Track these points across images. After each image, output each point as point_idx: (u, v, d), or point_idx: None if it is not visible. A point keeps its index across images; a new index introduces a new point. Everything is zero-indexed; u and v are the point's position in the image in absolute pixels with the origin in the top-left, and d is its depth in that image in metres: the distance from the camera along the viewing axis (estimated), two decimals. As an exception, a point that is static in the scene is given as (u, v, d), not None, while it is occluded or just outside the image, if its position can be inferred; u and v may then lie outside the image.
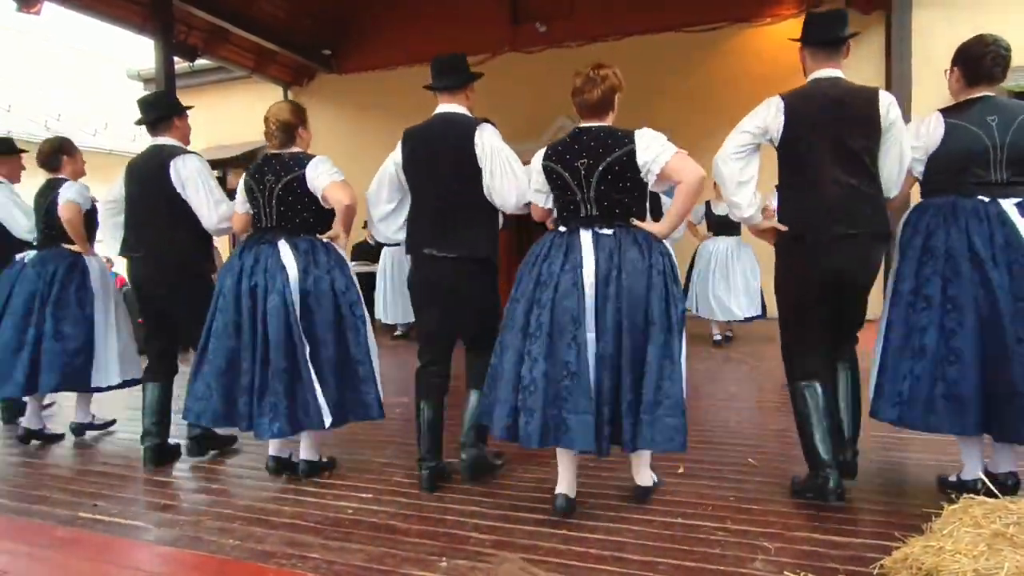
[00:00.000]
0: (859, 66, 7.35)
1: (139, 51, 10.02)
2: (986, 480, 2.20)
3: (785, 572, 1.98)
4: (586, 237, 2.36)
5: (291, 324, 2.70)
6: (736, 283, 5.56)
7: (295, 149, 2.93)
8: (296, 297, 2.71)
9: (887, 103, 2.40)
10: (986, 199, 2.33)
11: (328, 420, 2.73)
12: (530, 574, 1.14)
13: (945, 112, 2.48)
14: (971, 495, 1.94)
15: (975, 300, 2.26)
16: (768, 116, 2.48)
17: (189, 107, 3.35)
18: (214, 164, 9.82)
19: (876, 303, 2.59)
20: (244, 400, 2.73)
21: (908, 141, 2.48)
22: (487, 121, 2.76)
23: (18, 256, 3.73)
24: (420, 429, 2.78)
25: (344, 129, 9.21)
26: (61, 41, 17.20)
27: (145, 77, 9.69)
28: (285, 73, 9.52)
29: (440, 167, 2.69)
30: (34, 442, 3.63)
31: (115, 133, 15.19)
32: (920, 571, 1.61)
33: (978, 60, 2.43)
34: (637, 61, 7.99)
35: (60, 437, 3.72)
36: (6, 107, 13.84)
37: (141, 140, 14.84)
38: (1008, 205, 2.30)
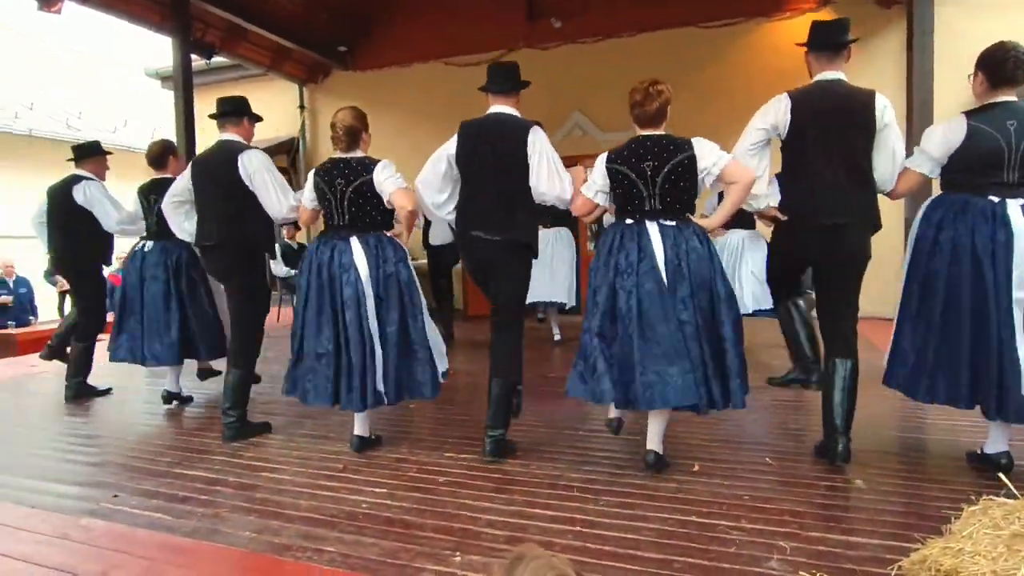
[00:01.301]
0: (880, 62, 7.25)
1: (158, 49, 10.14)
2: (1010, 454, 2.59)
3: (801, 572, 1.97)
4: (653, 228, 2.72)
5: (362, 315, 3.04)
6: (747, 275, 5.47)
7: (359, 153, 3.20)
8: (368, 289, 3.04)
9: (882, 106, 2.68)
10: (996, 199, 2.52)
11: (386, 399, 3.09)
12: (553, 567, 1.13)
13: (968, 115, 2.62)
14: (991, 498, 1.91)
15: (971, 293, 2.51)
16: (778, 113, 2.78)
17: (259, 119, 3.76)
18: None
19: (889, 303, 2.81)
20: (333, 380, 3.07)
21: (900, 142, 2.75)
22: (538, 124, 3.08)
23: (138, 246, 4.23)
24: (489, 399, 3.10)
25: (359, 126, 9.24)
26: (81, 40, 17.43)
27: (163, 75, 9.79)
28: (301, 70, 9.57)
29: (494, 161, 3.01)
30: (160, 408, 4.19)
31: (134, 130, 15.39)
32: (939, 573, 1.60)
33: (1000, 64, 2.57)
34: (653, 57, 7.93)
35: (190, 399, 4.35)
36: (28, 105, 14.06)
37: (159, 137, 15.04)
38: (1014, 206, 2.49)
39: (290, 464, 3.09)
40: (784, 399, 4.08)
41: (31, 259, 11.42)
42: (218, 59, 8.48)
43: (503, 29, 8.06)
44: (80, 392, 4.48)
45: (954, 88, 6.93)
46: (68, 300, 11.42)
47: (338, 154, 3.20)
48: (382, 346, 3.07)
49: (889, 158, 2.73)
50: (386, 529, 2.37)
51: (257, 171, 3.39)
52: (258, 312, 3.62)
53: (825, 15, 7.38)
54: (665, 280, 2.64)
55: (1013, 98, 2.57)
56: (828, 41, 2.79)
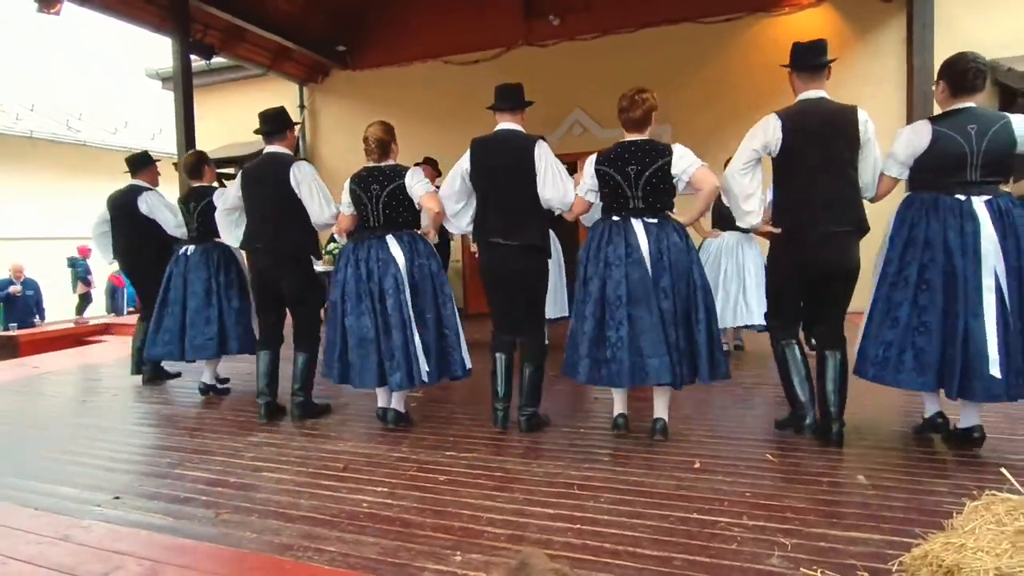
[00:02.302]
0: (880, 58, 7.23)
1: (158, 50, 10.14)
2: (944, 414, 2.98)
3: (802, 568, 1.96)
4: (638, 224, 3.02)
5: (402, 301, 3.37)
6: (752, 287, 5.14)
7: (390, 161, 3.55)
8: (405, 279, 3.38)
9: (863, 120, 2.90)
10: (962, 197, 2.74)
11: (427, 378, 3.39)
12: (558, 572, 1.13)
13: (933, 121, 2.87)
14: (994, 493, 1.91)
15: (943, 284, 2.72)
16: (767, 133, 2.98)
17: (298, 122, 3.99)
18: (230, 161, 9.99)
19: (860, 296, 3.00)
20: (378, 362, 3.38)
21: (879, 151, 2.96)
22: (542, 138, 3.38)
23: (180, 250, 4.56)
24: (496, 376, 3.44)
25: (359, 125, 9.12)
26: (80, 41, 17.45)
27: (163, 76, 9.82)
28: (300, 70, 9.58)
29: (505, 175, 3.29)
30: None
31: (135, 131, 15.41)
32: (941, 568, 1.59)
33: (962, 74, 2.79)
34: (653, 52, 7.92)
35: (227, 391, 4.61)
36: (29, 106, 14.08)
37: (160, 139, 15.06)
38: (979, 203, 2.72)
39: (291, 464, 3.09)
40: (783, 397, 4.06)
41: (37, 261, 11.49)
42: (218, 59, 8.49)
43: (502, 27, 8.06)
44: (157, 374, 5.03)
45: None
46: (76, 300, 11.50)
47: (371, 163, 3.54)
48: (421, 330, 3.40)
49: (871, 167, 2.96)
50: (387, 528, 2.36)
51: (304, 181, 3.70)
52: (312, 302, 3.95)
53: (825, 10, 7.37)
54: (650, 271, 2.96)
55: (973, 104, 2.81)
56: (808, 62, 2.99)
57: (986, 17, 6.82)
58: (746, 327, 5.19)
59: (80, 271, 11.53)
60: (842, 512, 2.36)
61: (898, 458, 2.88)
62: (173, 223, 4.76)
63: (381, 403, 3.64)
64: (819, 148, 2.90)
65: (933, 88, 3.00)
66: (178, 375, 5.13)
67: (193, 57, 7.42)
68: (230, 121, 10.38)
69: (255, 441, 3.47)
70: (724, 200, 3.99)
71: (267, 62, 8.95)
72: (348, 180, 3.56)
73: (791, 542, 2.14)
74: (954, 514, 1.90)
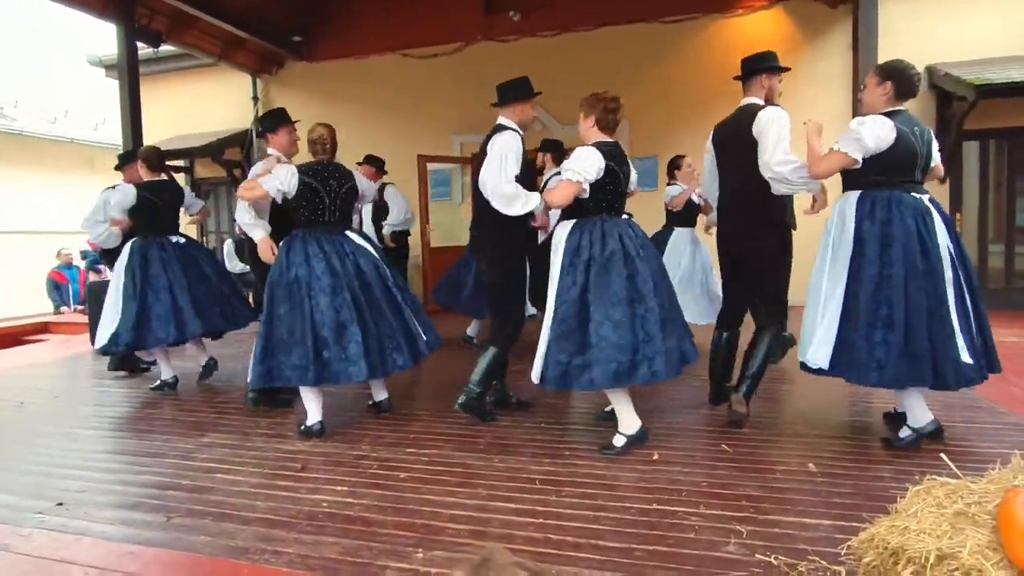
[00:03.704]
0: (827, 60, 7.48)
1: (101, 35, 9.71)
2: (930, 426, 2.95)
3: (757, 555, 2.03)
4: (622, 222, 3.08)
5: (389, 285, 3.53)
6: (712, 285, 5.12)
7: (337, 161, 3.62)
8: (383, 264, 3.56)
9: (760, 119, 3.09)
10: (916, 195, 2.87)
11: (428, 348, 3.60)
12: (522, 565, 1.12)
13: (890, 117, 2.87)
14: (934, 478, 1.99)
15: (921, 280, 2.79)
16: (708, 142, 3.50)
17: (297, 120, 4.00)
18: (179, 154, 9.63)
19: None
20: (366, 352, 3.29)
21: (777, 137, 3.03)
22: (508, 129, 3.36)
23: (154, 241, 4.44)
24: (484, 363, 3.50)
25: (314, 117, 8.92)
26: (16, 24, 16.55)
27: (107, 63, 9.37)
28: (253, 61, 9.29)
29: (480, 167, 3.37)
30: None
31: (76, 121, 14.71)
32: (886, 551, 1.65)
33: (910, 79, 2.90)
34: (611, 50, 8.00)
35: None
36: (-41, 94, 13.27)
37: (103, 129, 14.44)
38: (927, 201, 2.88)
39: (245, 465, 3.01)
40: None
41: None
42: (166, 47, 8.16)
43: (462, 22, 7.99)
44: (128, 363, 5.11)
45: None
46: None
47: (324, 160, 3.55)
48: (405, 309, 3.55)
49: (770, 146, 3.03)
50: (347, 528, 2.33)
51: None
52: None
53: (776, 13, 7.57)
54: (640, 267, 2.96)
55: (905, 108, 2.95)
56: (742, 72, 3.34)
57: (926, 24, 7.13)
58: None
59: (90, 263, 11.08)
60: (794, 499, 2.44)
61: (845, 446, 2.99)
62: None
63: (377, 396, 3.75)
64: (730, 153, 3.33)
65: (864, 87, 3.03)
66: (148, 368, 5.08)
67: (140, 45, 7.12)
68: (178, 112, 10.01)
69: (207, 442, 3.37)
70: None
71: (218, 51, 8.65)
72: (293, 169, 3.42)
73: (746, 529, 2.20)
74: (898, 498, 1.97)
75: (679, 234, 5.13)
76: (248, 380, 3.49)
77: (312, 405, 3.37)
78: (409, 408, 3.91)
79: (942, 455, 2.18)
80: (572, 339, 2.89)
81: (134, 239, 4.43)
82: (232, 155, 9.58)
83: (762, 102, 3.23)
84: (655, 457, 2.91)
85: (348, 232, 3.55)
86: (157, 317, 4.23)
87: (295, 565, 2.08)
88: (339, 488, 2.69)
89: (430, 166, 8.11)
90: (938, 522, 1.65)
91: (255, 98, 9.74)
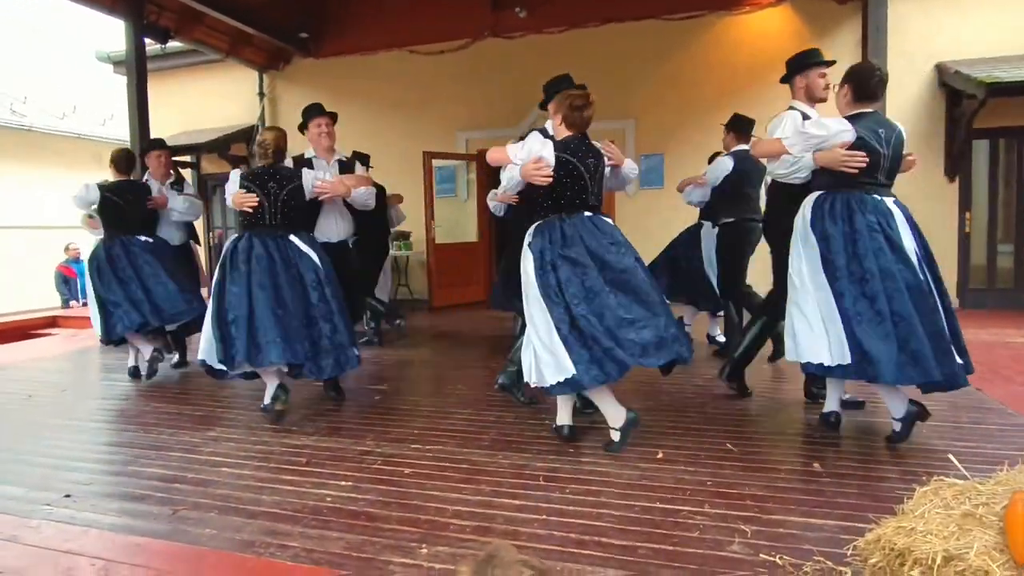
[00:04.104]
0: (836, 57, 7.40)
1: (109, 31, 9.73)
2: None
3: (761, 554, 2.02)
4: (584, 220, 2.99)
5: (326, 295, 3.62)
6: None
7: (287, 163, 3.78)
8: (324, 272, 3.65)
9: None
10: (878, 197, 2.93)
11: (356, 364, 3.76)
12: (527, 563, 1.12)
13: (851, 121, 2.94)
14: (942, 479, 1.98)
15: (903, 278, 2.81)
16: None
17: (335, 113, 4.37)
18: (186, 149, 9.66)
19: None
20: (285, 337, 3.45)
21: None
22: (535, 130, 3.29)
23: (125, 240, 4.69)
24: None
25: (321, 114, 9.04)
26: (25, 21, 16.64)
27: (115, 59, 9.40)
28: (260, 56, 9.31)
29: None
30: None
31: (84, 117, 14.77)
32: (893, 552, 1.64)
33: (868, 80, 2.96)
34: (617, 47, 7.97)
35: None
36: (-32, 89, 13.34)
37: (111, 125, 14.49)
38: (890, 202, 2.94)
39: (251, 459, 3.02)
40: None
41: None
42: (174, 44, 8.18)
43: (468, 18, 7.98)
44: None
45: (906, 84, 7.16)
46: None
47: (267, 164, 3.67)
48: (342, 321, 3.65)
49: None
50: (351, 523, 2.34)
51: None
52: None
53: (784, 11, 7.52)
54: (589, 271, 2.92)
55: (873, 110, 2.99)
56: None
57: (936, 22, 7.08)
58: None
59: None
60: (799, 499, 2.43)
61: (851, 446, 2.98)
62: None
63: (271, 381, 3.60)
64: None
65: (834, 89, 3.15)
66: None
67: (148, 40, 7.14)
68: (186, 108, 10.04)
69: (213, 436, 3.38)
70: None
71: (225, 47, 8.67)
72: (237, 173, 3.69)
73: (751, 529, 2.20)
74: (904, 499, 1.97)
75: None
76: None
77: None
78: (412, 405, 3.91)
79: (950, 456, 2.17)
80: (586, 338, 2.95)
81: (98, 241, 4.70)
82: (238, 150, 9.62)
83: (801, 104, 3.38)
84: (659, 456, 2.90)
85: (293, 236, 3.63)
86: (116, 306, 4.49)
87: (300, 559, 2.09)
88: (343, 483, 2.70)
89: (435, 162, 8.12)
90: (945, 523, 1.64)
91: (261, 94, 9.76)
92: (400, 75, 8.87)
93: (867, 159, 2.88)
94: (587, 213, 3.02)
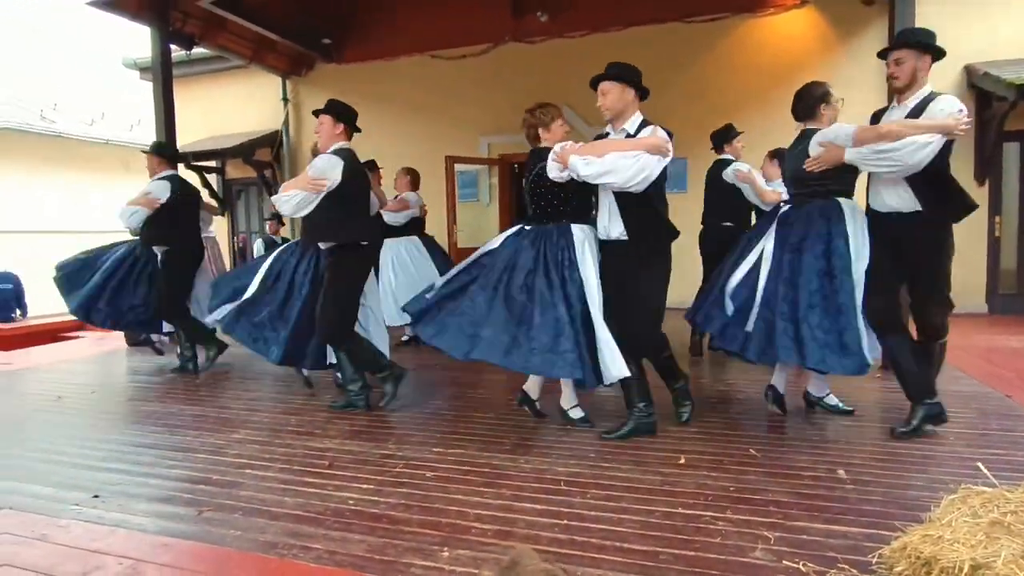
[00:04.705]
0: (861, 60, 7.31)
1: (136, 39, 9.96)
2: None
3: (784, 561, 2.00)
4: (543, 232, 3.38)
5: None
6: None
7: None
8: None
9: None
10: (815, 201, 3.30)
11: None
12: (549, 572, 1.13)
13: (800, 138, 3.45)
14: (970, 487, 1.95)
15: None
16: None
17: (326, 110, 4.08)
18: (211, 155, 9.82)
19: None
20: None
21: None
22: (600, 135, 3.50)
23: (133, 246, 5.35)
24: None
25: (343, 120, 9.14)
26: (55, 29, 17.07)
27: (141, 66, 9.62)
28: (283, 62, 9.44)
29: None
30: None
31: (112, 123, 15.10)
32: (919, 560, 1.62)
33: (798, 100, 3.51)
34: (638, 51, 7.90)
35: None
36: (2, 97, 13.73)
37: (139, 130, 14.79)
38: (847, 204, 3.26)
39: (275, 461, 3.07)
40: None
41: (15, 255, 11.22)
42: (199, 50, 8.33)
43: (489, 23, 8.01)
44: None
45: (934, 86, 7.02)
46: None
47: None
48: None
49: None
50: (373, 525, 2.36)
51: None
52: None
53: (808, 12, 7.44)
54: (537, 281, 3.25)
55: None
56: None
57: (964, 23, 6.94)
58: None
59: None
60: (823, 506, 2.40)
61: (877, 453, 2.93)
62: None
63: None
64: None
65: (840, 104, 3.54)
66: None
67: (173, 47, 7.28)
68: (210, 113, 10.22)
69: (238, 438, 3.44)
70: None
71: (249, 53, 8.81)
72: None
73: (774, 535, 2.17)
74: (931, 507, 1.94)
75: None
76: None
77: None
78: (434, 408, 3.93)
79: (978, 464, 2.14)
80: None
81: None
82: (263, 156, 9.76)
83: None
84: (681, 461, 2.88)
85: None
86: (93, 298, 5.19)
87: (323, 561, 2.11)
88: (365, 486, 2.72)
89: (457, 167, 8.16)
90: (973, 531, 1.62)
91: (285, 99, 9.90)
92: (422, 80, 8.94)
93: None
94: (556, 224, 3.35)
